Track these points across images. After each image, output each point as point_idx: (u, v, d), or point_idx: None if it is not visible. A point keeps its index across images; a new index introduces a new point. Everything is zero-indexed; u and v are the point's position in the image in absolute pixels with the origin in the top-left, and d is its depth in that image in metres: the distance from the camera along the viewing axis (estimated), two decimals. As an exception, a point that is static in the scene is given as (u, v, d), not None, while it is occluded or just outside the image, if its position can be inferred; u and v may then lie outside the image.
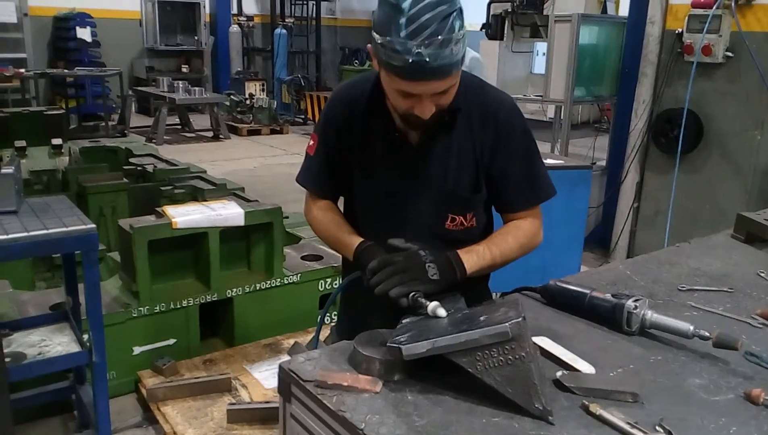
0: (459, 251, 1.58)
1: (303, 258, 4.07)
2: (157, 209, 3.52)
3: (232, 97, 11.96)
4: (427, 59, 1.35)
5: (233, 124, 11.66)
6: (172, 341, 3.46)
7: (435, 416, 1.16)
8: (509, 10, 8.07)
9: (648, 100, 5.13)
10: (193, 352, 3.52)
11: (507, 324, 1.18)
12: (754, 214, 2.25)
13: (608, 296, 1.54)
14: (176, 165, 5.24)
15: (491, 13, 9.46)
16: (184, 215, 3.41)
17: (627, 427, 1.11)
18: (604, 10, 8.83)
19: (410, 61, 1.35)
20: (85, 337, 2.57)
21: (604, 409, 1.16)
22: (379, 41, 1.40)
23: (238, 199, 3.90)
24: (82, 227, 2.37)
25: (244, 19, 14.48)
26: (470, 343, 1.20)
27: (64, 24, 11.97)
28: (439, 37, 1.34)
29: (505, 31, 8.36)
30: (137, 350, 3.36)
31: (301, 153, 1.81)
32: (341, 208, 1.83)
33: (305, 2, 15.06)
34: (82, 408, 2.91)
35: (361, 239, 1.66)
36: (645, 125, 5.19)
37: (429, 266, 1.48)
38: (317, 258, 4.05)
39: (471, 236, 1.67)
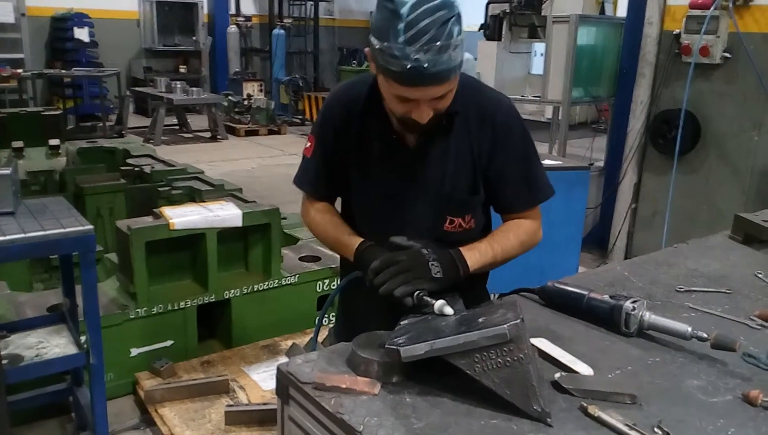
0: (461, 248, 1.59)
1: (301, 259, 4.06)
2: (155, 210, 3.51)
3: (230, 97, 11.96)
4: (426, 65, 1.35)
5: (231, 124, 11.65)
6: (169, 343, 3.45)
7: (433, 418, 1.15)
8: (507, 10, 8.09)
9: (646, 101, 5.14)
10: (191, 353, 3.51)
11: (505, 326, 1.18)
12: (751, 215, 2.26)
13: (606, 297, 1.54)
14: (174, 166, 5.23)
15: (489, 13, 9.48)
16: (182, 216, 3.41)
17: (625, 429, 1.11)
18: (602, 10, 8.85)
19: (408, 66, 1.35)
20: (83, 338, 2.57)
21: (603, 411, 1.15)
22: (377, 46, 1.40)
23: (236, 200, 3.89)
24: (79, 228, 2.36)
25: (242, 19, 14.48)
26: (469, 344, 1.19)
27: (62, 24, 11.96)
28: (438, 43, 1.34)
29: (503, 32, 8.38)
30: (135, 352, 3.35)
31: (299, 153, 1.81)
32: (338, 210, 1.83)
33: (303, 3, 15.07)
34: (80, 410, 2.91)
35: (361, 239, 1.65)
36: (643, 126, 5.19)
37: (432, 264, 1.48)
38: (315, 259, 4.05)
39: (469, 237, 1.67)
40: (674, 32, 4.83)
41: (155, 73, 12.80)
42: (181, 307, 3.45)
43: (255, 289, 3.68)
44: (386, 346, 1.26)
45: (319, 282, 3.92)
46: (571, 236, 3.90)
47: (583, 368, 1.33)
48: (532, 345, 1.32)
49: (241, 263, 3.81)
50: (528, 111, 10.81)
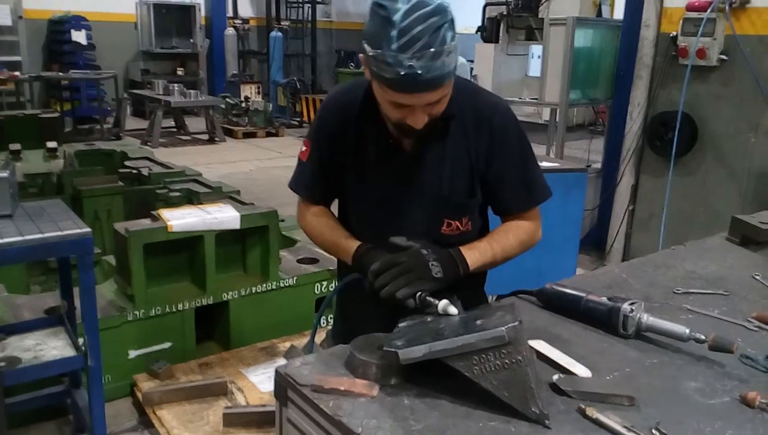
0: (461, 247, 1.59)
1: (299, 261, 4.06)
2: (153, 213, 3.51)
3: (227, 99, 11.96)
4: (419, 71, 1.35)
5: (229, 127, 11.65)
6: (167, 345, 3.45)
7: (432, 420, 1.16)
8: (504, 13, 8.10)
9: (643, 103, 5.15)
10: (189, 355, 3.51)
11: (503, 328, 1.18)
12: (748, 216, 2.26)
13: (604, 299, 1.54)
14: (171, 168, 5.22)
15: (486, 16, 9.48)
16: (180, 218, 3.41)
17: (623, 431, 1.11)
18: (599, 13, 8.86)
19: (402, 73, 1.35)
20: (81, 341, 2.57)
21: (601, 413, 1.16)
22: (370, 53, 1.40)
23: (234, 203, 3.89)
24: (77, 231, 2.36)
25: (240, 22, 14.49)
26: (467, 347, 1.20)
27: (59, 27, 11.95)
28: (431, 50, 1.34)
29: (501, 34, 8.38)
30: (132, 354, 3.35)
31: (297, 156, 1.81)
32: (334, 213, 1.83)
33: (301, 5, 15.08)
34: (78, 412, 2.90)
35: (359, 243, 1.65)
36: (640, 128, 5.20)
37: (432, 264, 1.48)
38: (313, 261, 4.05)
39: (466, 240, 1.67)
40: (671, 34, 4.85)
41: (153, 76, 12.79)
42: (179, 309, 3.45)
43: (253, 291, 3.68)
44: (384, 348, 1.26)
45: (317, 284, 3.91)
46: (568, 238, 3.90)
47: (581, 370, 1.33)
48: (531, 347, 1.33)
49: (239, 265, 3.81)
50: (525, 113, 10.82)
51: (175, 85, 11.06)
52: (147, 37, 13.37)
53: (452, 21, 1.39)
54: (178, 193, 4.32)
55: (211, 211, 3.55)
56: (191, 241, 3.48)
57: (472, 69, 8.40)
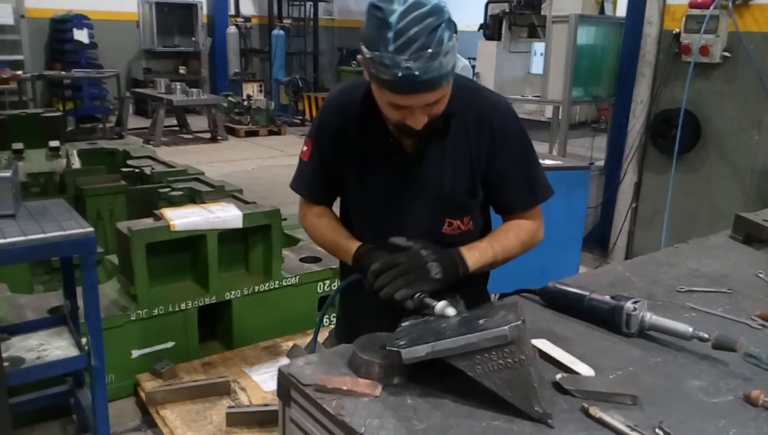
0: (461, 248, 1.59)
1: (301, 260, 4.06)
2: (155, 212, 3.51)
3: (229, 98, 11.96)
4: (417, 73, 1.35)
5: (231, 125, 11.65)
6: (170, 344, 3.45)
7: (435, 420, 1.16)
8: (507, 10, 8.10)
9: (646, 101, 5.14)
10: (192, 355, 3.51)
11: (506, 327, 1.18)
12: (752, 214, 2.26)
13: (607, 298, 1.54)
14: (174, 167, 5.22)
15: (489, 13, 9.48)
16: (183, 218, 3.41)
17: (627, 430, 1.11)
18: (602, 10, 8.85)
19: (399, 75, 1.35)
20: (84, 340, 2.57)
21: (604, 412, 1.16)
22: (367, 55, 1.40)
23: (237, 201, 3.89)
24: (80, 231, 2.36)
25: (242, 20, 14.48)
26: (469, 346, 1.20)
27: (61, 26, 11.96)
28: (428, 50, 1.34)
29: (503, 32, 8.38)
30: (136, 353, 3.35)
31: (299, 154, 1.81)
32: (336, 213, 1.83)
33: (302, 3, 15.07)
34: (81, 412, 2.91)
35: (360, 243, 1.65)
36: (643, 125, 5.19)
37: (431, 265, 1.48)
38: (316, 260, 4.05)
39: (468, 239, 1.66)
40: (674, 32, 4.84)
41: (155, 74, 12.79)
42: (182, 308, 3.45)
43: (256, 290, 3.68)
44: (387, 347, 1.26)
45: (320, 283, 3.92)
46: (571, 236, 3.90)
47: (584, 369, 1.33)
48: (533, 346, 1.32)
49: (242, 264, 3.81)
50: (528, 111, 10.82)
51: (178, 83, 11.07)
52: (149, 35, 13.37)
53: (449, 21, 1.38)
54: (180, 192, 4.32)
55: (213, 210, 3.55)
56: (194, 241, 3.48)
57: (474, 67, 8.39)
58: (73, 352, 2.57)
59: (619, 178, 5.43)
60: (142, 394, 3.20)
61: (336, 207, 1.84)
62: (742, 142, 4.70)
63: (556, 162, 4.18)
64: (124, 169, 5.12)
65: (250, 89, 12.64)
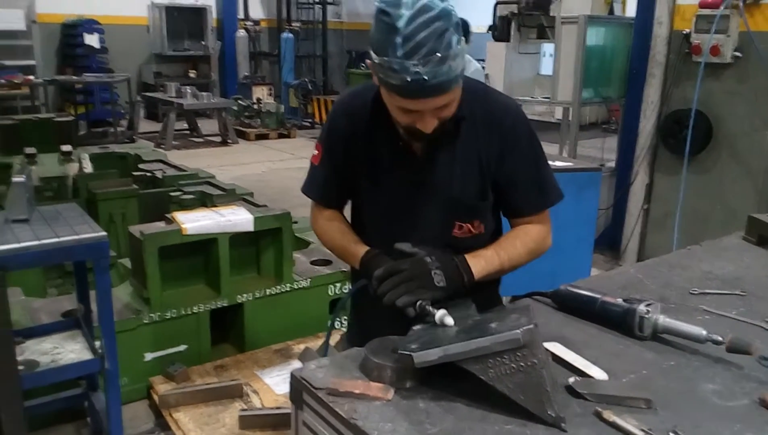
0: (467, 256, 1.58)
1: (312, 263, 4.07)
2: (167, 215, 3.53)
3: (239, 101, 12.00)
4: (426, 77, 1.35)
5: (241, 128, 11.70)
6: (183, 347, 3.47)
7: (447, 424, 1.16)
8: (516, 11, 8.07)
9: (656, 101, 5.12)
10: (204, 358, 3.53)
11: (518, 331, 1.18)
12: (765, 215, 2.24)
13: (620, 301, 1.54)
14: (185, 170, 5.26)
15: (497, 14, 9.46)
16: (194, 221, 3.43)
17: (641, 434, 1.11)
18: (611, 11, 8.81)
19: (408, 80, 1.35)
20: (97, 344, 2.58)
21: (618, 416, 1.15)
22: (376, 61, 1.40)
23: (247, 205, 3.91)
24: (92, 235, 2.38)
25: (251, 23, 14.51)
26: (482, 350, 1.20)
27: (72, 31, 12.04)
28: (437, 55, 1.34)
29: (512, 33, 8.35)
30: (149, 356, 3.37)
31: (309, 157, 1.82)
32: (347, 217, 1.83)
33: (311, 6, 15.10)
34: (95, 414, 2.93)
35: (368, 248, 1.66)
36: (654, 126, 5.17)
37: (435, 273, 1.47)
38: (327, 263, 4.06)
39: (479, 243, 1.66)
40: (684, 32, 4.81)
41: (165, 78, 12.86)
42: (194, 311, 3.46)
43: (267, 293, 3.69)
44: (399, 351, 1.27)
45: (331, 286, 3.92)
46: (583, 238, 3.88)
47: (598, 373, 1.33)
48: (546, 349, 1.32)
49: (253, 267, 3.82)
50: (537, 112, 10.79)
51: (188, 87, 11.12)
52: (159, 39, 13.44)
53: (457, 25, 1.38)
54: (191, 196, 4.34)
55: (224, 214, 3.56)
56: (205, 244, 3.50)
57: (483, 69, 8.38)
58: (87, 355, 2.58)
59: (631, 179, 5.41)
60: (155, 397, 3.21)
61: (347, 211, 1.85)
62: (755, 142, 4.66)
63: (567, 163, 4.16)
64: (135, 173, 5.15)
65: (260, 92, 12.68)
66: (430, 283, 1.46)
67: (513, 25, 8.17)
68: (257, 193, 4.95)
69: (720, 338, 1.36)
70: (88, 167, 5.08)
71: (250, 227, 3.55)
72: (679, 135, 4.92)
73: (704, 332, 1.38)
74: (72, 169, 5.05)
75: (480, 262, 1.58)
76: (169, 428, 3.05)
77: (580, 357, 1.38)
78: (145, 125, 12.01)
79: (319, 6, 14.98)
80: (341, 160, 1.72)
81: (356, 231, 1.77)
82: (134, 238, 3.40)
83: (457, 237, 1.68)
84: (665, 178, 5.20)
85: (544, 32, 7.57)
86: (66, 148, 5.39)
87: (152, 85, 12.98)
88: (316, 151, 1.76)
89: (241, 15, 14.72)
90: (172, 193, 4.40)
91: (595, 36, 5.66)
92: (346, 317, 2.11)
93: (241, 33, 14.17)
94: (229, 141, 11.17)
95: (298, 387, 1.31)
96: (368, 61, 1.46)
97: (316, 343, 3.66)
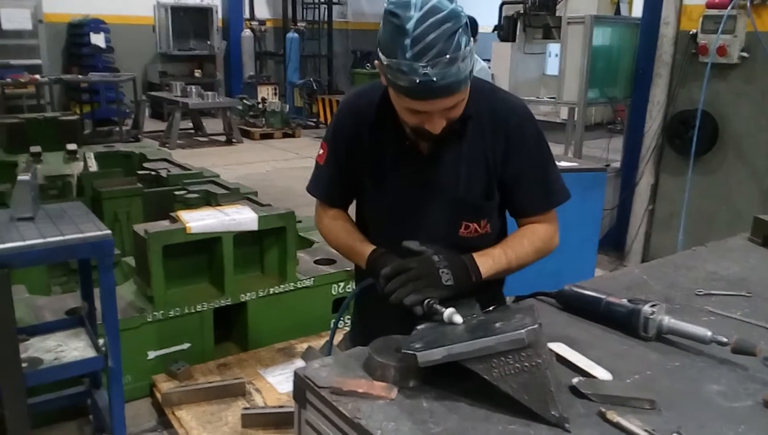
0: (474, 254, 1.58)
1: (316, 262, 4.07)
2: (171, 214, 3.54)
3: (244, 101, 12.02)
4: (435, 79, 1.34)
5: (246, 128, 11.71)
6: (186, 346, 3.47)
7: (451, 423, 1.15)
8: (521, 11, 8.07)
9: (662, 102, 5.10)
10: (207, 356, 3.53)
11: (523, 331, 1.17)
12: (771, 216, 2.23)
13: (624, 301, 1.53)
14: (190, 169, 5.26)
15: (503, 14, 9.45)
16: (199, 220, 3.43)
17: (645, 435, 1.10)
18: (618, 11, 8.80)
19: (417, 81, 1.35)
20: (101, 341, 2.59)
21: (622, 417, 1.15)
22: (385, 62, 1.40)
23: (252, 204, 3.91)
24: (97, 233, 2.38)
25: (257, 23, 14.55)
26: (486, 350, 1.19)
27: (78, 30, 12.08)
28: (446, 56, 1.34)
29: (518, 33, 8.35)
30: (152, 355, 3.38)
31: (314, 156, 1.82)
32: (352, 216, 1.83)
33: (317, 6, 15.12)
34: (98, 412, 2.93)
35: (374, 247, 1.65)
36: (659, 127, 5.15)
37: (443, 272, 1.47)
38: (330, 262, 4.06)
39: (485, 242, 1.66)
40: (691, 32, 4.80)
41: (171, 78, 12.88)
42: (198, 310, 3.47)
43: (271, 292, 3.69)
44: (403, 350, 1.26)
45: (335, 285, 3.92)
46: (587, 238, 3.87)
47: (602, 373, 1.32)
48: (550, 350, 1.32)
49: (257, 266, 3.83)
50: (543, 112, 10.77)
51: (193, 86, 11.14)
52: (165, 39, 13.46)
53: (466, 26, 1.38)
54: (196, 195, 4.35)
55: (229, 213, 3.57)
56: (209, 243, 3.50)
57: (489, 68, 8.38)
58: (91, 353, 2.58)
59: (636, 179, 5.39)
60: (158, 395, 3.22)
61: (351, 210, 1.85)
62: (761, 143, 4.64)
63: (572, 164, 4.15)
64: (140, 172, 5.16)
65: (265, 92, 12.70)
66: (437, 281, 1.45)
67: (519, 25, 8.17)
68: (261, 192, 4.95)
69: (725, 339, 1.35)
70: (93, 166, 5.10)
71: (255, 226, 3.56)
72: (685, 135, 4.91)
73: (709, 333, 1.38)
74: (77, 167, 5.06)
75: (488, 261, 1.58)
76: (172, 426, 3.06)
77: (584, 357, 1.38)
78: (150, 124, 12.04)
79: (325, 6, 15.00)
80: (346, 160, 1.71)
81: (360, 231, 1.76)
82: (138, 237, 3.41)
83: (463, 237, 1.68)
84: (671, 178, 5.18)
85: (550, 32, 7.57)
86: (71, 146, 5.41)
87: (157, 85, 13.00)
88: (322, 151, 1.76)
89: (246, 15, 14.75)
90: (177, 192, 4.41)
91: (601, 36, 5.64)
92: (349, 316, 2.11)
93: (247, 33, 14.19)
94: (233, 140, 11.18)
95: (302, 386, 1.30)
96: (376, 61, 1.46)
97: (319, 342, 3.66)
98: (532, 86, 8.45)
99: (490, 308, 1.49)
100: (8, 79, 9.47)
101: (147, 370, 3.36)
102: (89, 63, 11.71)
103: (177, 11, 13.49)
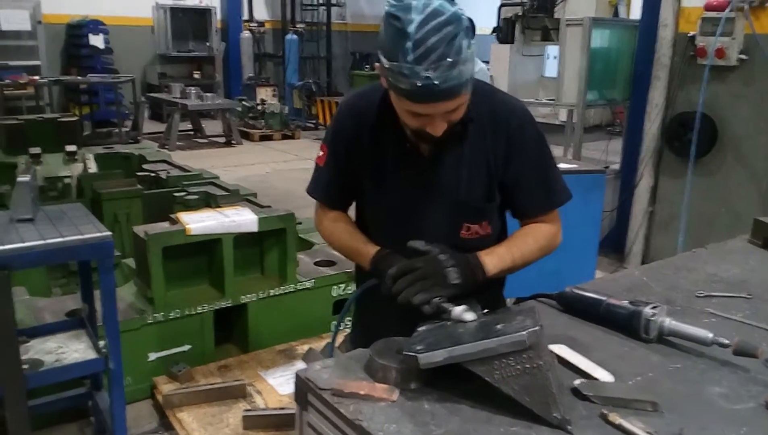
0: (480, 253, 1.58)
1: (316, 263, 4.07)
2: (171, 216, 3.53)
3: (243, 102, 12.02)
4: (436, 82, 1.34)
5: (245, 129, 11.71)
6: (187, 347, 3.47)
7: (452, 425, 1.15)
8: (520, 13, 8.07)
9: (661, 104, 5.11)
10: (208, 358, 3.53)
11: (524, 332, 1.18)
12: (771, 218, 2.23)
13: (625, 303, 1.53)
14: (189, 171, 5.26)
15: (502, 16, 9.45)
16: (198, 222, 3.43)
17: (647, 437, 1.10)
18: (616, 13, 8.79)
19: (419, 84, 1.35)
20: (101, 343, 2.59)
21: (624, 418, 1.15)
22: (386, 65, 1.40)
23: (252, 205, 3.91)
24: (97, 235, 2.38)
25: (255, 25, 14.55)
26: (487, 351, 1.19)
27: (77, 31, 12.07)
28: (448, 60, 1.34)
29: (516, 35, 8.35)
30: (152, 356, 3.37)
31: (313, 158, 1.82)
32: (352, 217, 1.83)
33: (316, 8, 15.12)
34: (99, 414, 2.93)
35: (377, 248, 1.65)
36: (658, 129, 5.16)
37: (449, 270, 1.47)
38: (330, 263, 4.06)
39: (486, 243, 1.66)
40: (689, 34, 4.80)
41: (170, 79, 12.89)
42: (198, 311, 3.47)
43: (271, 294, 3.69)
44: (404, 352, 1.26)
45: (335, 286, 3.92)
46: (587, 240, 3.87)
47: (603, 375, 1.33)
48: (551, 352, 1.32)
49: (257, 268, 3.82)
50: (542, 114, 10.77)
51: (192, 88, 11.14)
52: (164, 40, 13.47)
53: (467, 29, 1.38)
54: (196, 196, 4.35)
55: (228, 214, 3.57)
56: (209, 244, 3.50)
57: (488, 70, 8.37)
58: (91, 354, 2.58)
59: (635, 181, 5.40)
60: (159, 397, 3.21)
61: (351, 211, 1.85)
62: (760, 145, 4.65)
63: (571, 165, 4.16)
64: (139, 174, 5.16)
65: (264, 94, 12.70)
66: (444, 280, 1.46)
67: (517, 27, 8.16)
68: (261, 193, 4.95)
69: (726, 341, 1.35)
70: (93, 167, 5.10)
71: (254, 228, 3.56)
72: (684, 138, 4.92)
73: (710, 335, 1.38)
74: (76, 169, 5.06)
75: (493, 259, 1.58)
76: (173, 428, 3.06)
77: (586, 359, 1.38)
78: (150, 126, 12.03)
79: (324, 8, 15.01)
80: (346, 161, 1.71)
81: (360, 231, 1.76)
82: (138, 238, 3.41)
83: (464, 238, 1.68)
84: (670, 180, 5.19)
85: (549, 34, 7.57)
86: (71, 148, 5.40)
87: (157, 86, 13.01)
88: (321, 152, 1.76)
89: (245, 16, 14.76)
90: (177, 194, 4.40)
91: (599, 38, 5.65)
92: (349, 318, 2.11)
93: (246, 34, 14.19)
94: (233, 142, 11.18)
95: (303, 387, 1.31)
96: (377, 64, 1.46)
97: (319, 344, 3.66)
98: (530, 88, 8.46)
99: (486, 311, 1.50)
100: (7, 81, 9.47)
101: (148, 371, 3.35)
102: (88, 64, 11.71)
103: (176, 12, 13.50)
